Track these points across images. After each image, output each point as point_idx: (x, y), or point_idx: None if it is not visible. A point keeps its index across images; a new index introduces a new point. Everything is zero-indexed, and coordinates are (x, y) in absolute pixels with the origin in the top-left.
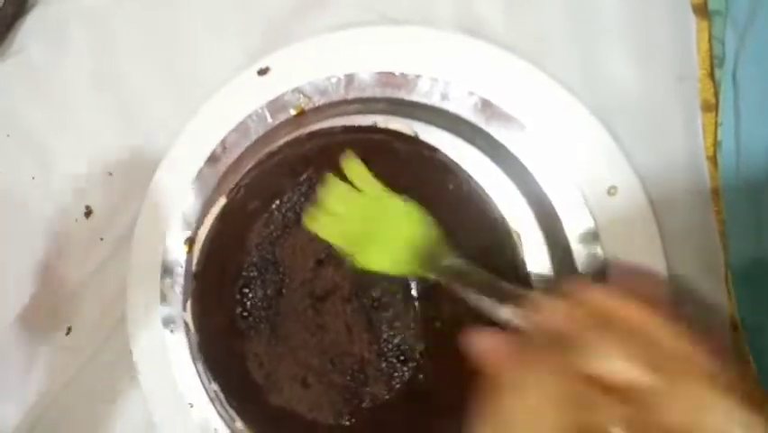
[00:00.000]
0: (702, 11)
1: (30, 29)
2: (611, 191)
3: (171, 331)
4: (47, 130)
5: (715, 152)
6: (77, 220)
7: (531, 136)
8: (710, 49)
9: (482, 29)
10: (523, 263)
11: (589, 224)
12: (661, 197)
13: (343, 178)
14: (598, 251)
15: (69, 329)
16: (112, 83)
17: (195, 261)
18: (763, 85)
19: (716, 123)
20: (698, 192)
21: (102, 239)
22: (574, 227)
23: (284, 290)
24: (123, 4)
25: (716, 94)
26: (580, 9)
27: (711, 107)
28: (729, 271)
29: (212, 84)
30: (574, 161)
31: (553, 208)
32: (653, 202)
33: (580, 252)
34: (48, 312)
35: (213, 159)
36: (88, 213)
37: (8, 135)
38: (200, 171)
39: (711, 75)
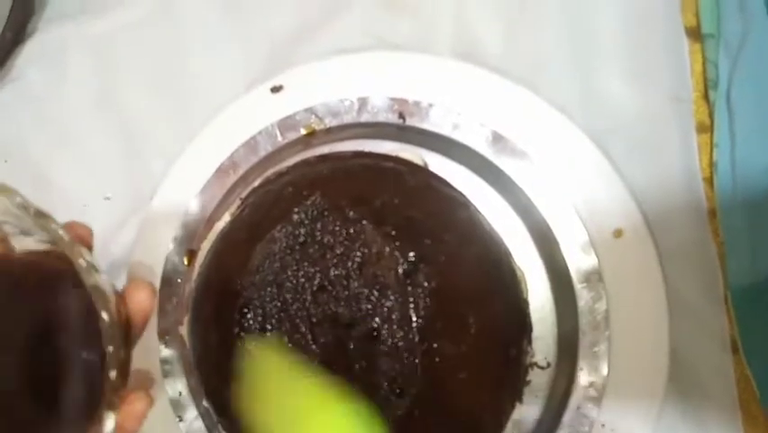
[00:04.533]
0: (695, 34)
1: (29, 55)
2: (617, 233)
3: (165, 344)
4: (45, 156)
5: (711, 172)
6: None
7: (539, 170)
8: (704, 71)
9: (480, 53)
10: (526, 303)
11: (592, 263)
12: (658, 217)
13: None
14: (601, 291)
15: None
16: (111, 109)
17: (195, 274)
18: (756, 106)
19: (711, 144)
20: (695, 213)
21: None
22: (578, 266)
23: (282, 314)
24: (123, 29)
25: (711, 115)
26: (578, 33)
27: (706, 128)
28: (729, 292)
29: (212, 109)
30: (581, 201)
31: (557, 246)
32: (656, 243)
33: (582, 291)
34: None
35: (220, 171)
36: None
37: (6, 161)
38: (207, 183)
39: (706, 96)
